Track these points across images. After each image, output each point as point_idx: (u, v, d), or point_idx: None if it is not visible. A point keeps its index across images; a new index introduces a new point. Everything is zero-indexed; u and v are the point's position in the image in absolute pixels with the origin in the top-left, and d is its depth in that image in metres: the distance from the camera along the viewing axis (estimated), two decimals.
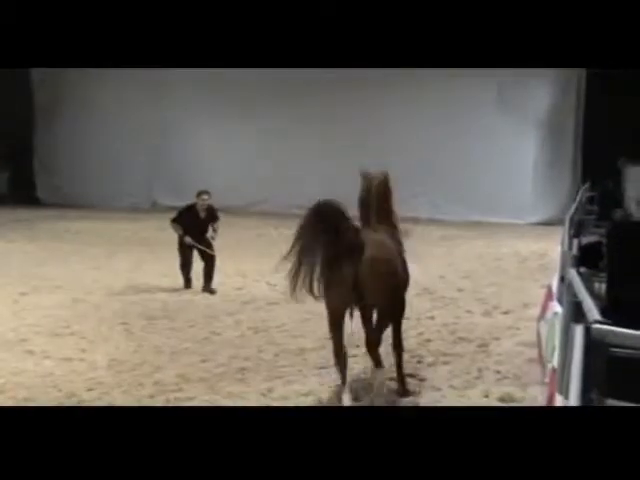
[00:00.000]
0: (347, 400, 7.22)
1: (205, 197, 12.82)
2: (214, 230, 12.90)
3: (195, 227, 12.78)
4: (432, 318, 10.77)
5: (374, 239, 7.33)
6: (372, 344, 7.50)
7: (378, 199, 7.89)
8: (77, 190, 28.33)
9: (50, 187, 29.31)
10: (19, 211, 26.32)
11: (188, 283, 12.96)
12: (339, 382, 7.36)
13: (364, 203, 7.93)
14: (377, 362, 7.52)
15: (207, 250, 12.80)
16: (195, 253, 12.94)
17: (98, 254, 16.58)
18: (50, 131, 29.54)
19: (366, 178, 8.03)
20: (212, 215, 12.98)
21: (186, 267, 12.95)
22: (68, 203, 27.59)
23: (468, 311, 11.29)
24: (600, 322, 3.93)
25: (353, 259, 7.02)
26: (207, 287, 12.75)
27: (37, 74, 29.24)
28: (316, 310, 11.02)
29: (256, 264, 14.73)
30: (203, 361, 8.60)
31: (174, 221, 12.90)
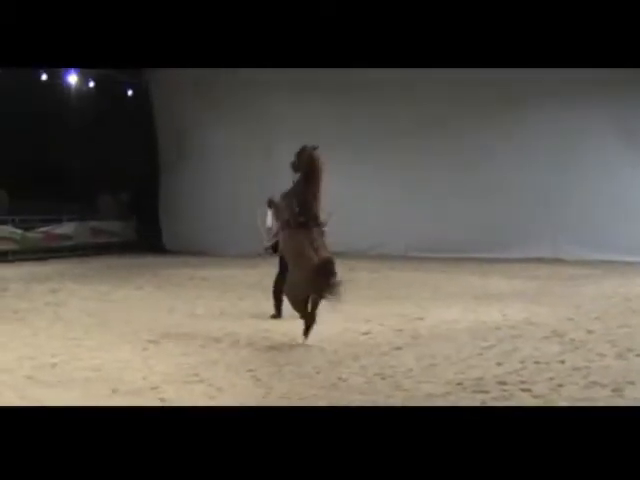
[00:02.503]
0: None
1: None
2: None
3: None
4: (562, 362, 10.48)
5: None
6: None
7: None
8: (201, 237, 28.91)
9: (174, 234, 30.03)
10: (146, 258, 27.01)
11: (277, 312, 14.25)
12: None
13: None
14: None
15: None
16: None
17: (224, 301, 16.83)
18: (174, 178, 30.30)
19: None
20: None
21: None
22: (192, 250, 28.16)
23: (600, 354, 10.95)
24: None
25: None
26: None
27: (161, 120, 30.08)
28: (442, 353, 10.92)
29: (379, 308, 14.72)
30: None
31: None
